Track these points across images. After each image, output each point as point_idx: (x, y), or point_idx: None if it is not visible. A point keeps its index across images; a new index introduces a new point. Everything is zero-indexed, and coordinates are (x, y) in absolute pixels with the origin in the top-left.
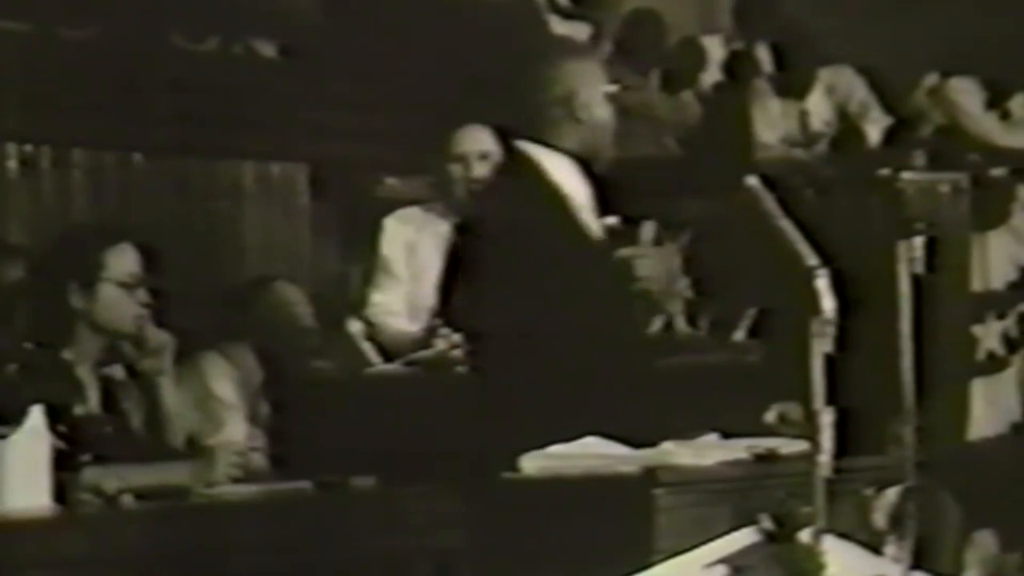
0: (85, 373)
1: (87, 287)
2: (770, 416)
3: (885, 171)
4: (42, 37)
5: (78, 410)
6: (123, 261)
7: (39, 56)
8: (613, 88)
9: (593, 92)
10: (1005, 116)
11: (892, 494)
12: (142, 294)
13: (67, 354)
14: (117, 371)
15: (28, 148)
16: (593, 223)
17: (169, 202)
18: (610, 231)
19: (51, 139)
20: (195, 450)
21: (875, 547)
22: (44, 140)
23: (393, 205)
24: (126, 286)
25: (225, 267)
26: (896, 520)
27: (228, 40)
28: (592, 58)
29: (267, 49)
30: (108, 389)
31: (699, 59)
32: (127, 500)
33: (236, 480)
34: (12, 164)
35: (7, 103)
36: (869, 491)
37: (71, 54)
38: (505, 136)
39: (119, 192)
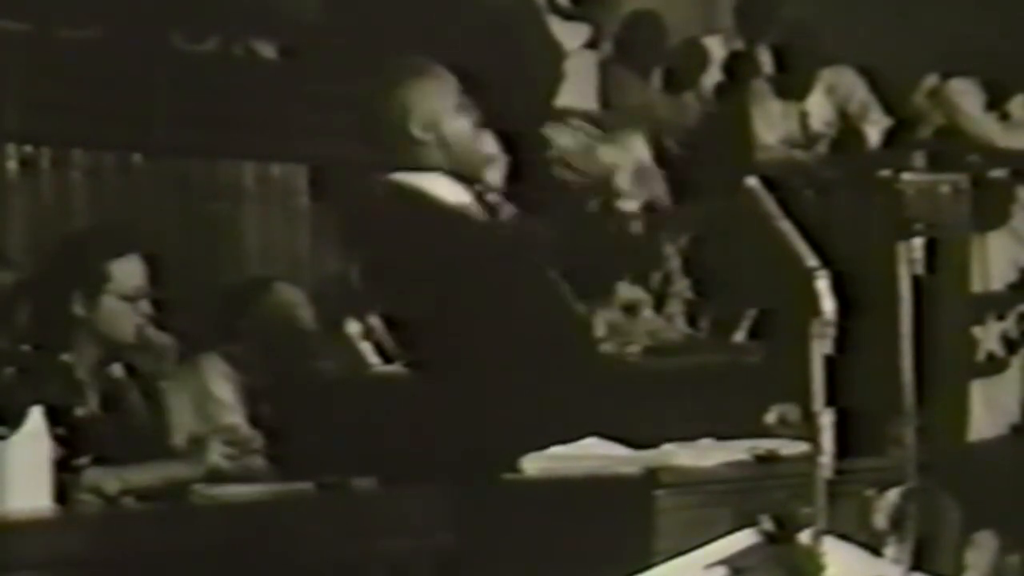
0: (85, 374)
1: (90, 297)
2: (770, 417)
3: (885, 172)
4: (42, 37)
5: (78, 411)
6: (129, 274)
7: (39, 56)
8: (457, 100)
9: (433, 110)
10: (1005, 117)
11: (893, 495)
12: (144, 305)
13: (67, 356)
14: (116, 370)
15: (28, 149)
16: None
17: (169, 202)
18: (491, 207)
19: (51, 140)
20: (195, 449)
21: (875, 548)
22: (44, 141)
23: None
24: (129, 299)
25: (225, 268)
26: (897, 521)
27: (228, 40)
28: (432, 74)
29: (267, 49)
30: (108, 389)
31: (700, 60)
32: (127, 500)
33: (232, 470)
34: (12, 165)
35: (7, 103)
36: (870, 492)
37: (71, 54)
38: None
39: (119, 193)
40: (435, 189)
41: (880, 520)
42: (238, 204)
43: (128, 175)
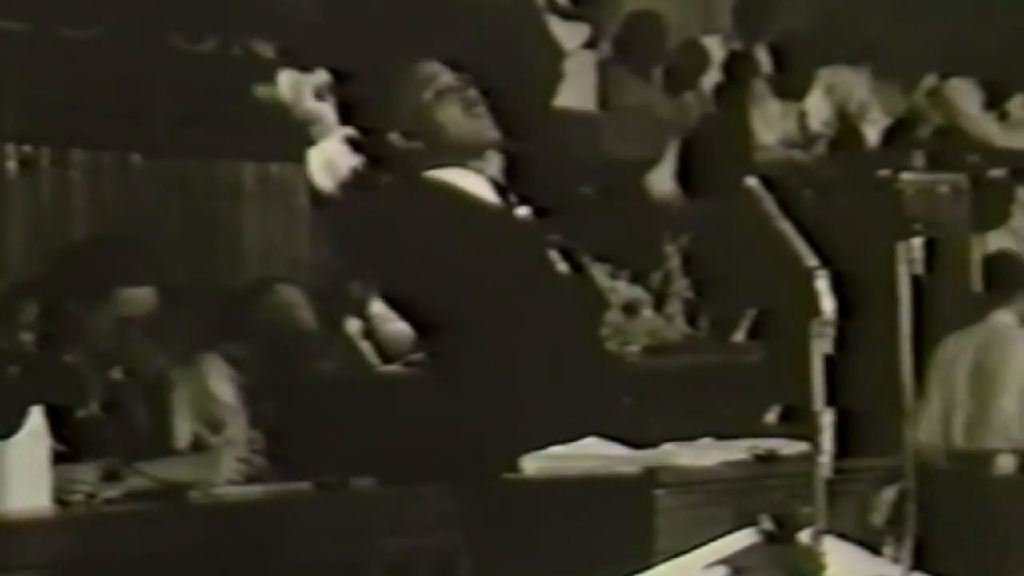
0: (86, 375)
1: (88, 307)
2: (770, 417)
3: (884, 172)
4: (42, 37)
5: (79, 412)
6: (133, 303)
7: (39, 56)
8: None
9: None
10: (1004, 117)
11: (889, 493)
12: (138, 328)
13: (69, 356)
14: (117, 373)
15: (27, 148)
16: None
17: (169, 202)
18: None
19: (50, 139)
20: (198, 449)
21: (874, 547)
22: (43, 140)
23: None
24: (127, 320)
25: (224, 268)
26: (894, 518)
27: (227, 40)
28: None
29: (266, 49)
30: (109, 391)
31: (700, 60)
32: (127, 500)
33: (235, 481)
34: (11, 165)
35: (7, 103)
36: (867, 490)
37: (71, 54)
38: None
39: (118, 193)
40: (455, 180)
41: (877, 517)
42: (238, 204)
43: (128, 175)
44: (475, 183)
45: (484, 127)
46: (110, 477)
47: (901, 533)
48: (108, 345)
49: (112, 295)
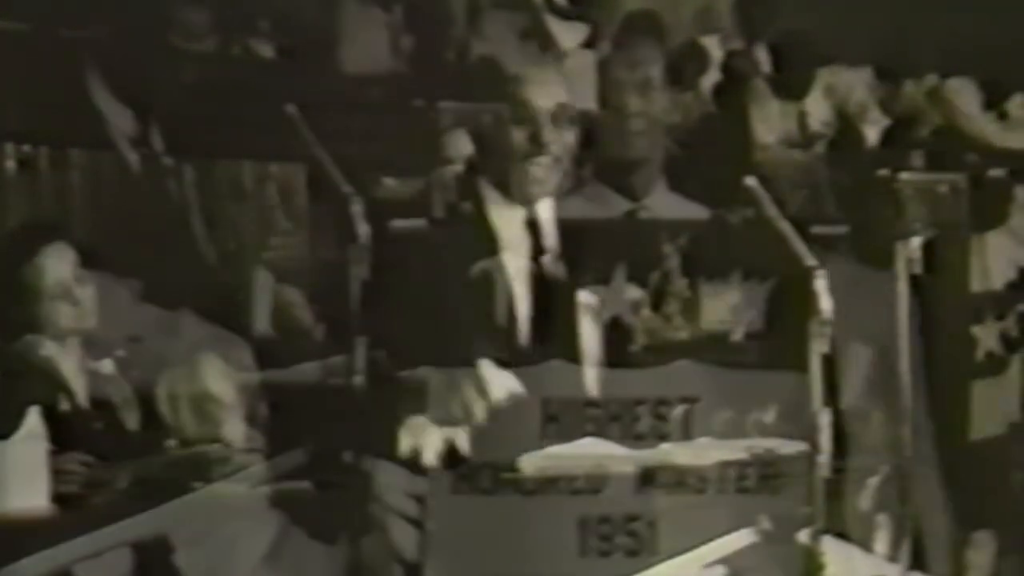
0: (70, 370)
1: (27, 295)
2: (769, 417)
3: (883, 172)
4: (42, 37)
5: (67, 408)
6: (48, 274)
7: (39, 56)
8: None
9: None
10: (1003, 117)
11: (874, 479)
12: (78, 294)
13: (47, 350)
14: (106, 366)
15: (26, 148)
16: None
17: (169, 202)
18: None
19: (49, 139)
20: (196, 448)
21: (867, 533)
22: (42, 140)
23: (392, 206)
24: (55, 297)
25: (224, 268)
26: (881, 504)
27: (227, 40)
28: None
29: (266, 49)
30: (97, 387)
31: (700, 60)
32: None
33: (234, 479)
34: (10, 164)
35: (6, 103)
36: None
37: (71, 54)
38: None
39: (117, 192)
40: (501, 221)
41: (864, 502)
42: (238, 204)
43: (128, 175)
44: (512, 219)
45: (536, 190)
46: (107, 476)
47: (900, 532)
48: (49, 320)
49: (24, 268)
